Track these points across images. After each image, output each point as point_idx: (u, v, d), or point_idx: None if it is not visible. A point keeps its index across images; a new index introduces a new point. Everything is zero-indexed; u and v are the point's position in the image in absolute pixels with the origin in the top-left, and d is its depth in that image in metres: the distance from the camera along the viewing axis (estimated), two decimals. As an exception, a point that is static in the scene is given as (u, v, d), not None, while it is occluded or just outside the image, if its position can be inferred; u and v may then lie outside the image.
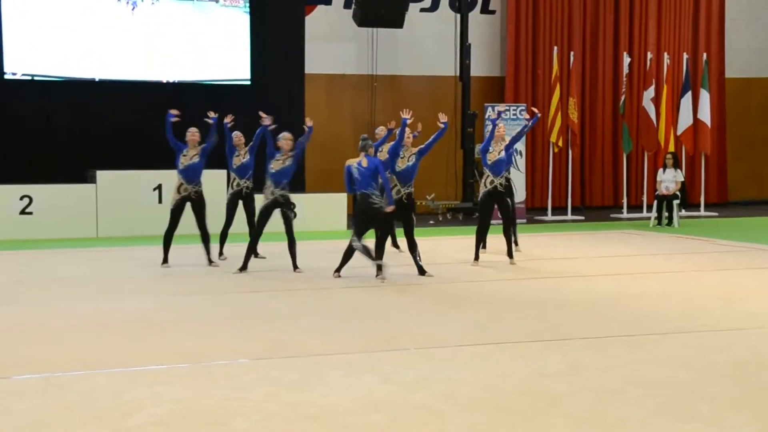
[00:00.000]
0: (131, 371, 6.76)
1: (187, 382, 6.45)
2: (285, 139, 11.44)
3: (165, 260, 11.68)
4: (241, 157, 12.37)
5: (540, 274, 11.36)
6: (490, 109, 18.24)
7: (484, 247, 12.18)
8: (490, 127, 12.13)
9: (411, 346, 7.53)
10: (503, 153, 11.72)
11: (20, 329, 8.24)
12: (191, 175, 11.75)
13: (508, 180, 12.08)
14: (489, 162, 11.75)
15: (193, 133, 11.90)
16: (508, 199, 12.01)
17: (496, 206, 11.91)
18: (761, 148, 22.12)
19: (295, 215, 11.44)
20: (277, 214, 11.37)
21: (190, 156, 11.73)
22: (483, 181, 11.90)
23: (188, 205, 11.81)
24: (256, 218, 11.65)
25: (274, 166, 11.29)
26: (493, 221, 12.36)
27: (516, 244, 12.37)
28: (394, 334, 8.05)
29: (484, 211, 11.93)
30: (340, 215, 16.68)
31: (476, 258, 11.91)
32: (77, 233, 15.27)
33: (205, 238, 11.92)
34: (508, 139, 12.08)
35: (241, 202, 12.41)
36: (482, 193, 11.88)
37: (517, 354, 7.25)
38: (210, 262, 11.92)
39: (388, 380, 6.46)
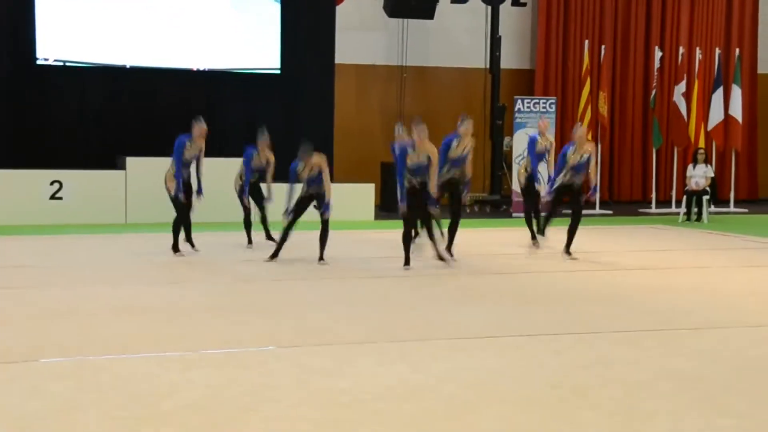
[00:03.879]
0: (163, 356, 6.80)
1: (218, 367, 6.48)
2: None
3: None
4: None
5: (569, 267, 11.33)
6: (519, 101, 18.22)
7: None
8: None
9: (441, 337, 7.54)
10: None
11: (51, 313, 8.31)
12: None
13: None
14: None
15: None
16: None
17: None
18: (793, 144, 21.94)
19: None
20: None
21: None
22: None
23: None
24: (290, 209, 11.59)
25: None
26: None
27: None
28: (425, 324, 8.05)
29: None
30: (368, 205, 16.69)
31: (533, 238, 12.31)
32: (106, 219, 15.38)
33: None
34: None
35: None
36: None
37: (547, 346, 7.23)
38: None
39: (419, 370, 6.46)
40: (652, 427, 5.28)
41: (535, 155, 12.39)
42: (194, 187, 11.93)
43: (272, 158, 12.51)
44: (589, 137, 18.51)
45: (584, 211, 18.40)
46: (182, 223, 11.79)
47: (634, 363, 6.72)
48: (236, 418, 5.38)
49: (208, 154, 12.39)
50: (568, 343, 7.34)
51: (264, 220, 12.61)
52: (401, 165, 10.67)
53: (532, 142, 12.41)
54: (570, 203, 12.07)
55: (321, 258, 11.14)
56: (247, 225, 12.54)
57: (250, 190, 12.48)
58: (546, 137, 12.64)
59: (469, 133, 11.34)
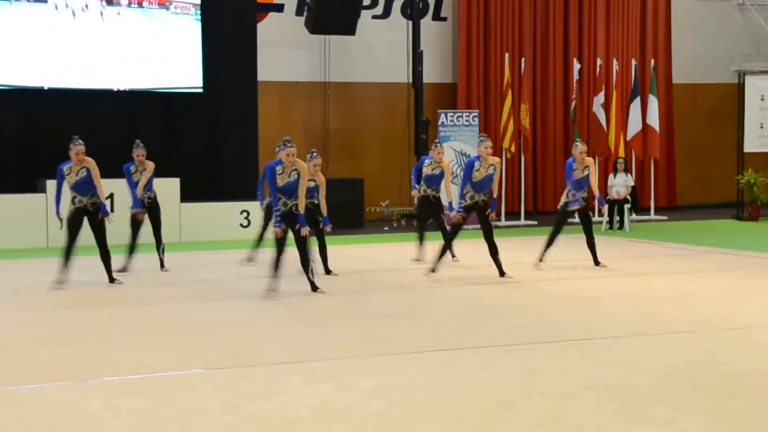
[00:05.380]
0: (86, 383, 6.67)
1: (143, 393, 6.38)
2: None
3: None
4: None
5: (495, 279, 11.41)
6: (443, 115, 18.37)
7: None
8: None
9: (368, 354, 7.53)
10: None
11: (-29, 342, 8.10)
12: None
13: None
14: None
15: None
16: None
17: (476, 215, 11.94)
18: (708, 152, 22.44)
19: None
20: None
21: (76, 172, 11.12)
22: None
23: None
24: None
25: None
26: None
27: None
28: (350, 342, 8.03)
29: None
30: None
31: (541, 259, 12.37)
32: (27, 244, 15.05)
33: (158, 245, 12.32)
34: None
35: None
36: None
37: (473, 360, 7.27)
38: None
39: (347, 388, 6.45)
40: (578, 438, 5.35)
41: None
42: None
43: (150, 165, 12.19)
44: (512, 148, 18.79)
45: (511, 222, 18.74)
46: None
47: (559, 374, 6.79)
48: (162, 445, 5.30)
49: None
50: (493, 356, 7.39)
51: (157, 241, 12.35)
52: (271, 184, 10.24)
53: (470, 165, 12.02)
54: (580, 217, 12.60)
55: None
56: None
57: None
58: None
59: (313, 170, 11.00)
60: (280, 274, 10.21)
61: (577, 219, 12.85)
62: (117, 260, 11.65)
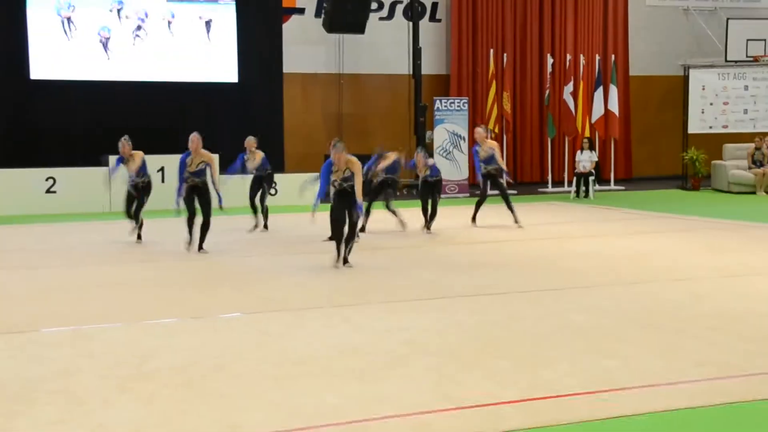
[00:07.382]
0: (146, 324, 6.69)
1: (193, 333, 6.40)
2: None
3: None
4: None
5: (481, 239, 11.40)
6: (438, 101, 18.26)
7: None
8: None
9: (377, 301, 7.53)
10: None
11: (49, 289, 8.12)
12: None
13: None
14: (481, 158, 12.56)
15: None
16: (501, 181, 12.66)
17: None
18: (658, 133, 22.30)
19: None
20: None
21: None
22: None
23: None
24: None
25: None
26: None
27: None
28: (365, 290, 8.04)
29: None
30: (313, 191, 16.57)
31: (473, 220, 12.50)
32: (93, 208, 15.09)
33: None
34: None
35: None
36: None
37: (466, 306, 7.27)
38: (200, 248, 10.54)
39: (359, 330, 6.45)
40: (554, 370, 5.35)
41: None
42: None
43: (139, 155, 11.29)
44: (496, 129, 18.70)
45: (493, 192, 18.62)
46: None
47: (537, 318, 6.79)
48: (209, 376, 5.31)
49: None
50: (483, 303, 7.38)
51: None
52: (324, 175, 9.23)
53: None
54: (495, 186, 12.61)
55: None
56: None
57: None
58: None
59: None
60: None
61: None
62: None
